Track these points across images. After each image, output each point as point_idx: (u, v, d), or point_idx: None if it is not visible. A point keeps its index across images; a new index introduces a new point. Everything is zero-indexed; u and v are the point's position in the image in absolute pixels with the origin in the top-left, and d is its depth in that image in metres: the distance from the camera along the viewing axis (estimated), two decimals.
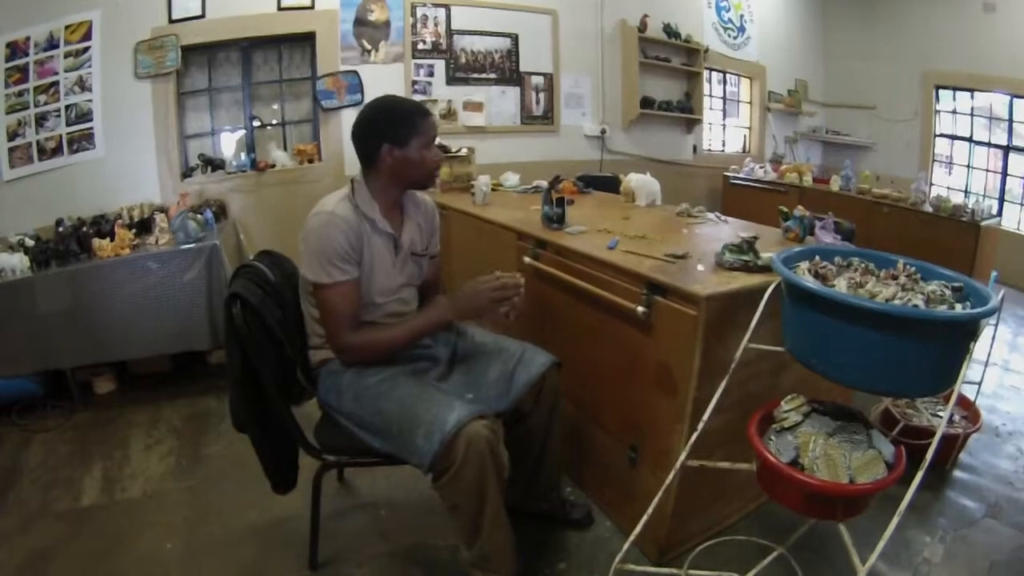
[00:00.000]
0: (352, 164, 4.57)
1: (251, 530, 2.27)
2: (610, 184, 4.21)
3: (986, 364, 2.63)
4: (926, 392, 1.63)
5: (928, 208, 4.95)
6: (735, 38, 6.83)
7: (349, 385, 1.84)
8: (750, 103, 7.37)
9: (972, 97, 6.56)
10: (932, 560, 2.09)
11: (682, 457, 1.68)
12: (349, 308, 1.79)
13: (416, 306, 2.09)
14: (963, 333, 1.35)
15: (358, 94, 4.73)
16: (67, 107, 3.97)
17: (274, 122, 4.90)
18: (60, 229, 3.55)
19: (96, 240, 3.24)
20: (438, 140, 2.03)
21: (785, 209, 2.50)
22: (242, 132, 4.74)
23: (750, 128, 7.46)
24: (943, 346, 1.35)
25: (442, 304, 1.91)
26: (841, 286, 1.48)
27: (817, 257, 1.66)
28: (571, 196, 3.34)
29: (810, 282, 1.47)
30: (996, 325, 2.69)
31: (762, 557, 1.93)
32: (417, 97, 4.98)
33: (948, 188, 6.68)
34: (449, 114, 5.13)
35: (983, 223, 4.64)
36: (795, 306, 1.53)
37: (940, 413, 2.71)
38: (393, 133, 1.81)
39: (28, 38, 3.86)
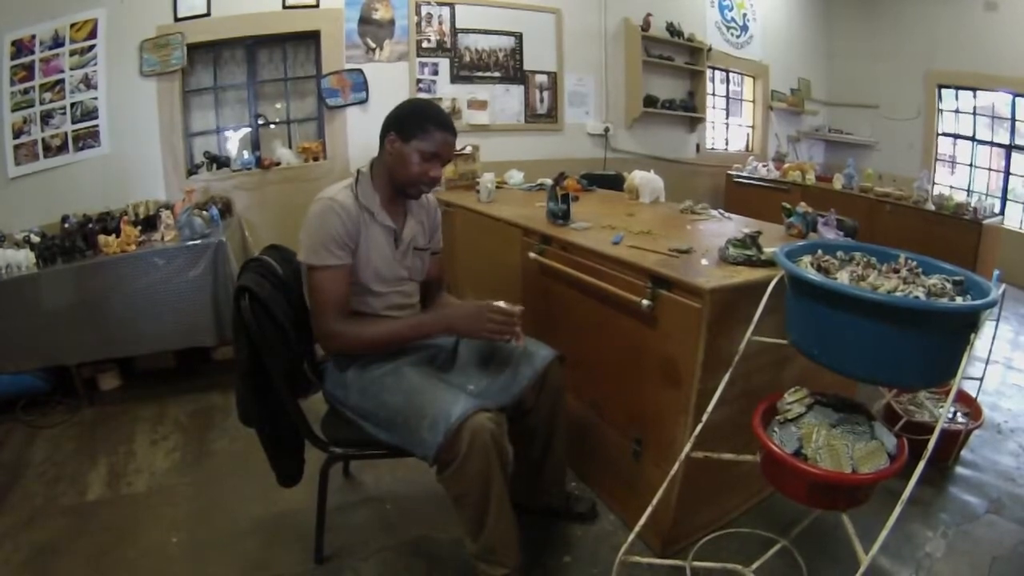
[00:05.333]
0: (356, 162, 4.63)
1: (257, 523, 2.29)
2: (614, 182, 4.22)
3: (987, 361, 2.64)
4: (927, 383, 1.64)
5: (931, 207, 4.96)
6: (738, 37, 6.84)
7: (354, 378, 1.86)
8: (753, 102, 7.37)
9: (975, 96, 6.56)
10: (934, 555, 2.10)
11: (686, 449, 1.70)
12: (337, 293, 1.79)
13: (418, 300, 2.10)
14: (963, 325, 1.36)
15: (363, 92, 4.75)
16: (72, 105, 3.98)
17: (279, 120, 4.91)
18: (66, 226, 3.55)
19: (102, 236, 3.25)
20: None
21: (788, 205, 2.51)
22: (247, 130, 4.76)
23: (753, 127, 7.46)
24: (944, 338, 1.36)
25: (436, 316, 1.93)
26: (843, 279, 1.49)
27: (820, 251, 1.66)
28: (575, 193, 3.35)
29: (813, 275, 1.48)
30: (997, 321, 2.70)
31: (765, 549, 1.94)
32: (421, 95, 5.00)
33: (951, 187, 6.67)
34: (453, 112, 5.12)
35: (985, 222, 4.65)
36: (798, 299, 1.54)
37: (942, 409, 2.72)
38: (401, 125, 1.84)
39: (34, 36, 3.87)
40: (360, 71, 4.74)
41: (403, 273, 1.98)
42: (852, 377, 1.52)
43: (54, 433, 3.02)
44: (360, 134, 4.74)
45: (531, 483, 2.14)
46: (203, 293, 3.25)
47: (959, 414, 2.75)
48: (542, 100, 5.62)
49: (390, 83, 4.86)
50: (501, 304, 1.85)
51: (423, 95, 5.01)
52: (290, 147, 4.80)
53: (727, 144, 7.40)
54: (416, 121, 1.83)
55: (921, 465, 1.29)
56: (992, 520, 2.30)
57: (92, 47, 4.00)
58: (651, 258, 2.06)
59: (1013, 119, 6.22)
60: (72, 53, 3.96)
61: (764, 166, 6.43)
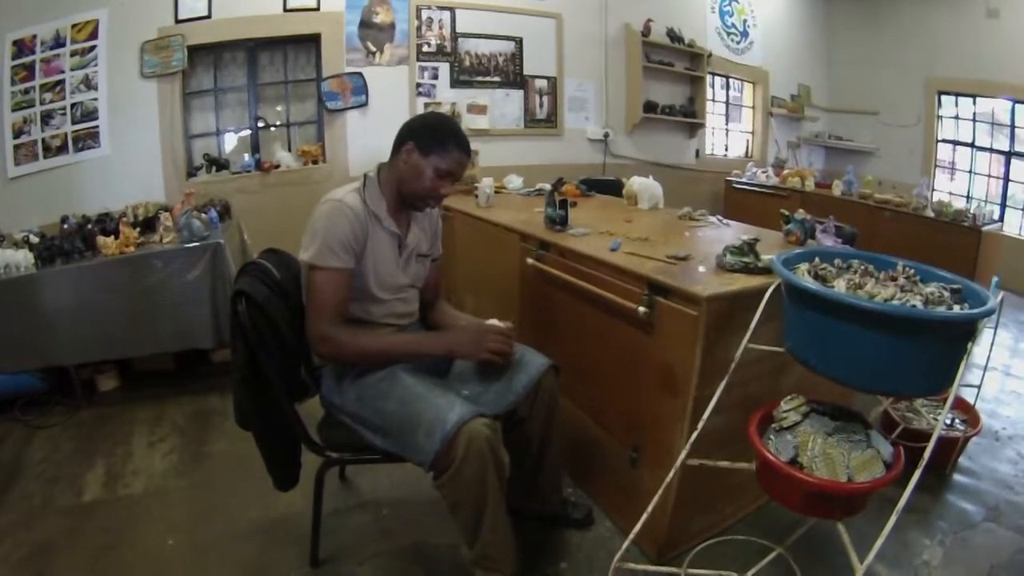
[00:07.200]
0: (356, 166, 4.64)
1: (253, 527, 2.28)
2: (613, 187, 4.22)
3: (985, 368, 2.64)
4: (924, 392, 1.64)
5: (930, 213, 4.97)
6: (738, 43, 6.85)
7: (351, 384, 1.86)
8: (753, 108, 7.39)
9: (974, 103, 6.58)
10: (931, 562, 2.09)
11: (682, 455, 1.69)
12: (336, 296, 1.78)
13: (417, 307, 2.11)
14: (960, 333, 1.36)
15: (363, 96, 4.76)
16: (73, 105, 3.99)
17: (278, 123, 4.92)
18: (65, 226, 3.55)
19: (101, 238, 3.25)
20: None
21: (786, 212, 2.51)
22: (247, 132, 4.77)
23: (753, 133, 7.48)
24: (940, 346, 1.36)
25: (437, 338, 1.99)
26: (840, 287, 1.49)
27: (817, 259, 1.66)
28: (574, 199, 3.36)
29: (809, 283, 1.48)
30: (995, 329, 2.70)
31: (761, 557, 1.95)
32: (421, 99, 5.02)
33: (950, 193, 6.69)
34: (453, 117, 5.14)
35: (985, 228, 4.65)
36: (795, 306, 1.54)
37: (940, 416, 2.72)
38: (421, 138, 1.84)
39: (35, 36, 3.88)
40: (360, 75, 4.75)
41: (405, 280, 1.98)
42: (849, 386, 1.52)
43: (52, 433, 3.02)
44: (360, 138, 4.76)
45: (527, 490, 2.13)
46: (201, 295, 3.25)
47: (957, 421, 2.75)
48: (542, 105, 5.64)
49: (390, 87, 4.88)
50: (497, 323, 1.88)
51: (423, 99, 5.03)
52: (290, 150, 4.81)
53: (727, 150, 7.42)
54: (438, 137, 1.84)
55: (918, 473, 1.29)
56: (990, 528, 2.30)
57: (93, 48, 4.01)
58: (648, 265, 2.06)
59: (1012, 126, 6.24)
60: (73, 54, 3.97)
61: (764, 172, 6.45)
